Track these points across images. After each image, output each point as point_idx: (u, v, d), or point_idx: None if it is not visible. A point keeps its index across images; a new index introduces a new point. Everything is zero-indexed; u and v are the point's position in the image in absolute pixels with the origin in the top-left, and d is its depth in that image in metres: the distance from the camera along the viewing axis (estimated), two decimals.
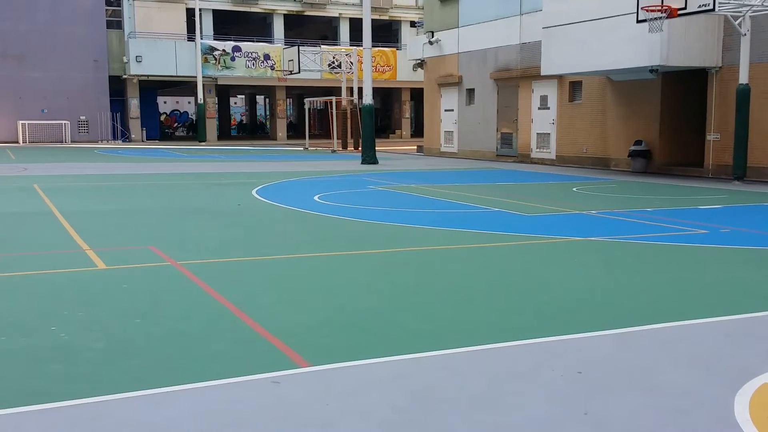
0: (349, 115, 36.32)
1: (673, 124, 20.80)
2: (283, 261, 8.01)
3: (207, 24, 44.79)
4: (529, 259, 8.13)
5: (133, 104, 44.07)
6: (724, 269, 7.59)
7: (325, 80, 44.00)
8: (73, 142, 41.95)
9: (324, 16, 48.50)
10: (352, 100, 36.22)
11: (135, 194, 14.88)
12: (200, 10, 42.64)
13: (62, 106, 42.14)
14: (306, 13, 47.60)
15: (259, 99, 64.90)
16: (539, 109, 25.25)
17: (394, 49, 48.19)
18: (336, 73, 38.67)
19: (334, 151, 33.66)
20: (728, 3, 16.27)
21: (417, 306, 6.04)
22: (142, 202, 13.56)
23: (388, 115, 54.73)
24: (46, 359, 4.63)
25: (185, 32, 44.30)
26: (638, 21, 16.69)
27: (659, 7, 15.92)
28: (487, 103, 27.71)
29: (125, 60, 43.15)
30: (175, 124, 60.99)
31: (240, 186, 16.30)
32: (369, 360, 4.61)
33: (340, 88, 37.49)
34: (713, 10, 15.31)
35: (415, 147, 34.99)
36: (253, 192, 14.94)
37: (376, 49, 43.66)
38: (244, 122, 66.58)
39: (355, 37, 43.66)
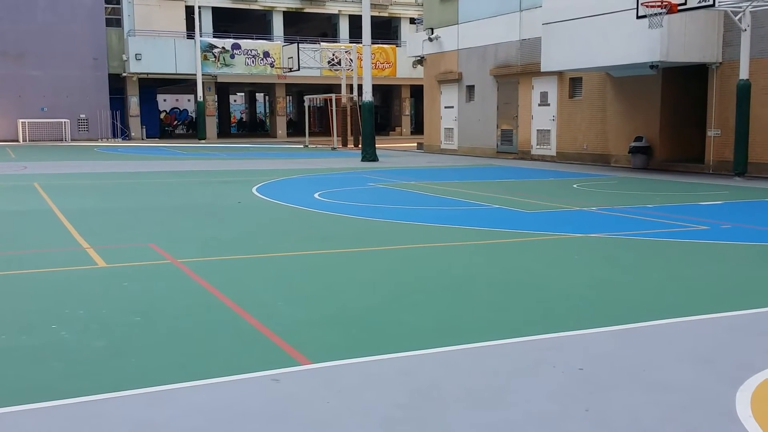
0: (348, 113, 36.31)
1: (673, 120, 20.78)
2: (283, 258, 8.01)
3: (206, 21, 44.76)
4: (530, 256, 8.13)
5: (133, 102, 44.06)
6: (725, 265, 7.57)
7: (325, 77, 43.98)
8: (72, 140, 41.94)
9: (323, 13, 48.48)
10: (352, 98, 36.19)
11: (135, 192, 14.87)
12: (199, 7, 42.62)
13: (62, 105, 42.13)
14: (305, 10, 47.57)
15: (259, 96, 64.88)
16: (539, 105, 25.23)
17: (394, 45, 48.16)
18: (336, 70, 38.64)
19: (334, 149, 33.64)
20: None
21: (418, 303, 6.03)
22: (142, 200, 13.55)
23: (388, 112, 54.70)
24: (46, 357, 4.62)
25: (184, 30, 44.27)
26: (638, 17, 16.68)
27: (659, 3, 15.91)
28: (487, 99, 27.69)
29: (125, 58, 43.13)
30: (175, 122, 60.96)
31: (240, 184, 16.29)
32: (370, 357, 4.60)
33: (339, 85, 37.46)
34: (713, 5, 15.30)
35: (415, 144, 34.98)
36: (253, 190, 14.93)
37: (376, 46, 43.63)
38: (244, 120, 66.55)
39: (355, 34, 43.60)
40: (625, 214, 11.30)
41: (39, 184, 15.94)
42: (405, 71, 46.09)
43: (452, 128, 29.89)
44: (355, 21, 44.53)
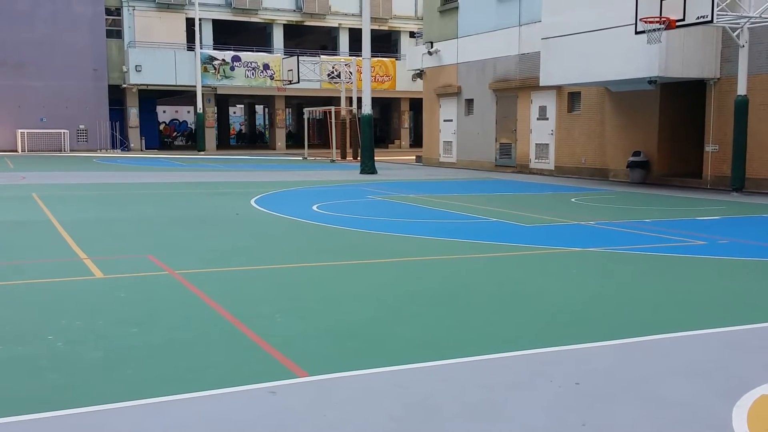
0: (348, 125, 36.38)
1: (671, 135, 20.83)
2: (281, 270, 8.00)
3: (207, 33, 44.88)
4: (528, 270, 8.13)
5: (133, 113, 44.11)
6: (722, 280, 7.58)
7: (325, 90, 44.08)
8: (72, 151, 41.96)
9: (323, 26, 48.62)
10: (352, 110, 36.27)
11: (133, 203, 14.87)
12: (200, 19, 42.74)
13: (61, 115, 42.18)
14: (305, 23, 47.72)
15: (259, 108, 64.98)
16: (538, 119, 25.29)
17: (394, 59, 48.29)
18: (335, 83, 38.74)
19: (333, 161, 33.68)
20: (726, 14, 16.32)
21: (415, 316, 6.03)
22: (141, 211, 13.55)
23: (387, 125, 54.80)
24: (43, 368, 4.61)
25: (185, 42, 44.39)
26: (637, 32, 16.74)
27: (658, 19, 15.97)
28: (486, 113, 27.75)
29: (125, 69, 43.22)
30: (175, 134, 61.01)
31: (238, 195, 16.29)
32: (367, 370, 4.60)
33: (339, 97, 37.54)
34: (711, 21, 15.36)
35: (414, 157, 35.02)
36: (252, 201, 14.94)
37: (376, 59, 43.74)
38: (244, 132, 66.62)
39: (355, 47, 43.74)
40: (622, 229, 11.31)
41: (37, 195, 15.94)
42: (404, 84, 46.21)
43: (451, 141, 29.95)
44: (354, 34, 44.66)
